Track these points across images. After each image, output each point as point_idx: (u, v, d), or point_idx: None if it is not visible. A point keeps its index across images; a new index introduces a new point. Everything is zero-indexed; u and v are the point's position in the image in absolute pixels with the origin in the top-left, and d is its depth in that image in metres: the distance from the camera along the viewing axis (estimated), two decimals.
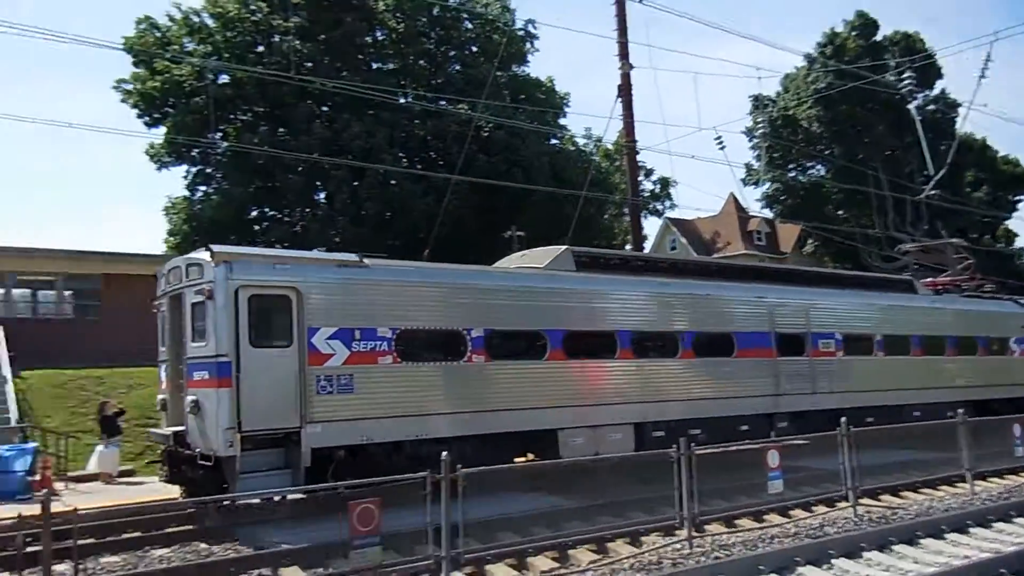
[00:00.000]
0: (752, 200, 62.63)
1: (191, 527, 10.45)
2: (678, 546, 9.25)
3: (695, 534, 9.51)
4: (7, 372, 19.02)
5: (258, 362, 11.24)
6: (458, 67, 35.66)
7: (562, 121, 38.53)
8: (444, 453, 8.67)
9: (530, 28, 37.20)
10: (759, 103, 48.30)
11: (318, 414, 11.48)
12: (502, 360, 13.47)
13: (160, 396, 13.24)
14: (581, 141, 38.98)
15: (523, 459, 13.73)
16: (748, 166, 48.70)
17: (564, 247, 15.79)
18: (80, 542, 7.69)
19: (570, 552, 9.50)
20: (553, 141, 37.14)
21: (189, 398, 11.49)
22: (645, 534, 10.05)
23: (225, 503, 11.01)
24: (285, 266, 12.02)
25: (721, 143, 27.72)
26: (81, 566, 7.94)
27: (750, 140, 49.35)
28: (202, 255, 11.70)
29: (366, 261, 12.86)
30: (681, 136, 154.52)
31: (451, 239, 25.96)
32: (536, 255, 15.82)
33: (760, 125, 47.02)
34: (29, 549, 6.74)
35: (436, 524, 8.36)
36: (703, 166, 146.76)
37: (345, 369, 11.91)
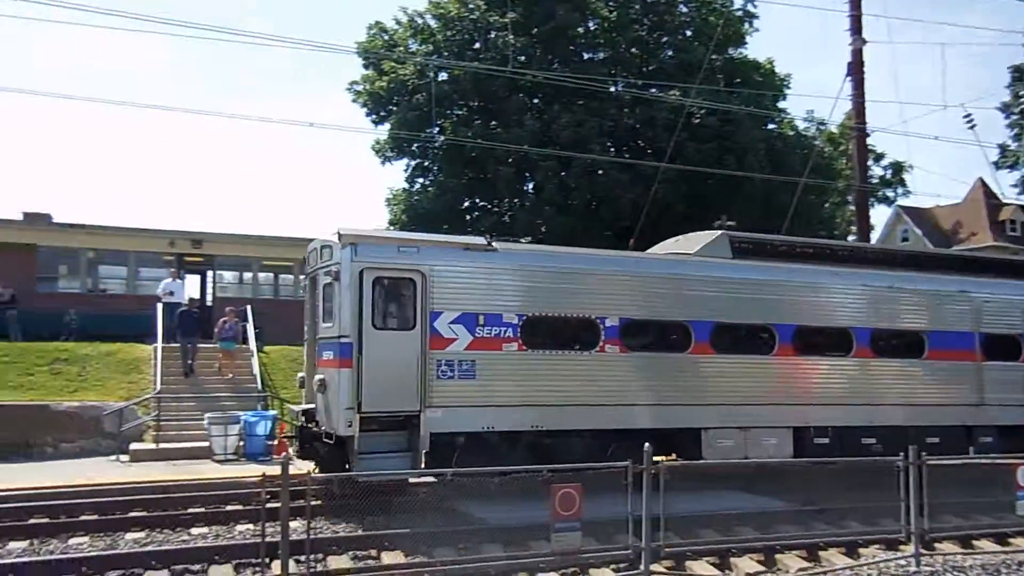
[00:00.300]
0: (1006, 186, 55.56)
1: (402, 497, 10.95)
2: (903, 562, 8.45)
3: (923, 551, 8.61)
4: (253, 347, 21.34)
5: (380, 344, 11.36)
6: (670, 53, 34.82)
7: (781, 104, 36.42)
8: (647, 445, 8.52)
9: (749, 7, 35.49)
10: (1021, 74, 42.69)
11: (438, 399, 11.47)
12: (638, 351, 12.91)
13: (300, 374, 13.97)
14: (802, 125, 36.63)
15: (665, 458, 12.86)
16: (1003, 147, 43.24)
17: (720, 231, 14.92)
18: (312, 503, 8.41)
19: (777, 556, 8.98)
20: (771, 126, 35.20)
21: (317, 377, 11.97)
22: (863, 545, 9.27)
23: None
24: (410, 249, 11.95)
25: (971, 121, 24.68)
26: (313, 525, 8.72)
27: (1006, 117, 43.81)
28: (332, 237, 11.91)
29: (495, 245, 12.69)
30: (919, 116, 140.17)
31: (658, 228, 25.44)
32: (691, 240, 14.89)
33: (1022, 99, 41.55)
34: (269, 505, 7.48)
35: (636, 515, 8.24)
36: (943, 149, 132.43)
37: (467, 355, 11.79)
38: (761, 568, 8.72)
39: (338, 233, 11.63)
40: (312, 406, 12.42)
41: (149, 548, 8.97)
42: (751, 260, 14.07)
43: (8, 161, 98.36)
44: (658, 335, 13.38)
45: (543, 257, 13.14)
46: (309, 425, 12.31)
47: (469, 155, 31.78)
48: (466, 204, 35.09)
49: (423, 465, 11.27)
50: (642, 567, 8.02)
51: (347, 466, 11.16)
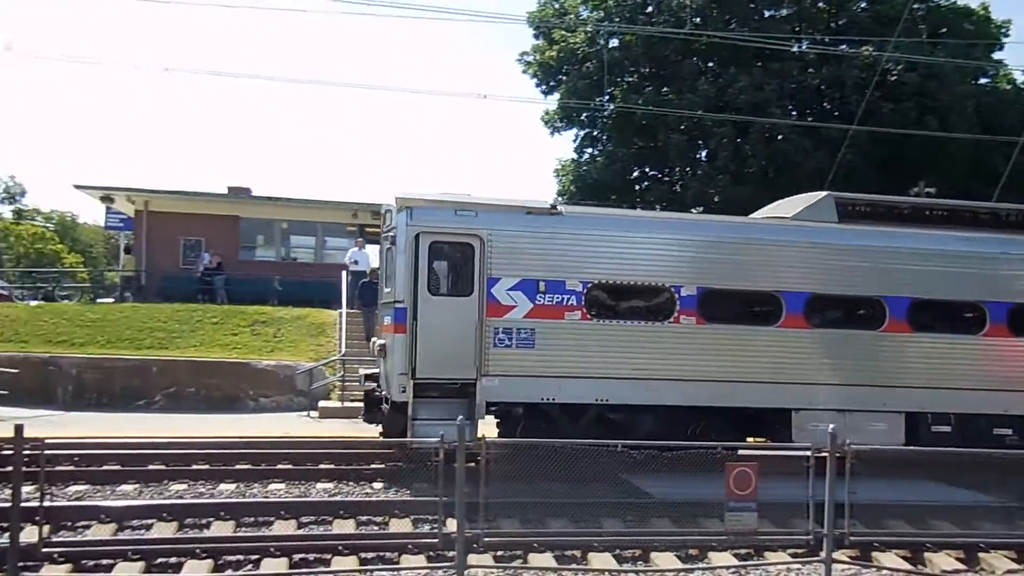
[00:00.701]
0: None
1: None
2: None
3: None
4: None
5: (435, 310, 11.19)
6: (864, 5, 32.11)
7: (997, 55, 32.65)
8: (831, 426, 8.03)
9: None
10: None
11: (495, 367, 11.17)
12: (718, 323, 11.86)
13: (374, 339, 13.67)
14: (1021, 78, 32.64)
15: (754, 439, 12.30)
16: None
17: (825, 193, 13.23)
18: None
19: (981, 555, 8.17)
20: (983, 80, 31.69)
21: (378, 342, 12.04)
22: None
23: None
24: (468, 213, 11.50)
25: None
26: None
27: None
28: (392, 202, 11.66)
29: (560, 208, 12.15)
30: None
31: None
32: (794, 203, 13.42)
33: None
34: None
35: (817, 499, 7.80)
36: None
37: (526, 323, 11.34)
38: (961, 567, 7.99)
39: (396, 197, 11.48)
40: (377, 370, 12.47)
41: (337, 499, 9.68)
42: (861, 224, 12.55)
43: (214, 139, 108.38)
44: (743, 306, 12.40)
45: (611, 222, 12.38)
46: (374, 389, 12.34)
47: (639, 124, 31.10)
48: (635, 174, 34.50)
49: (476, 434, 10.70)
50: (823, 553, 7.58)
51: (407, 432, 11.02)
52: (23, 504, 7.02)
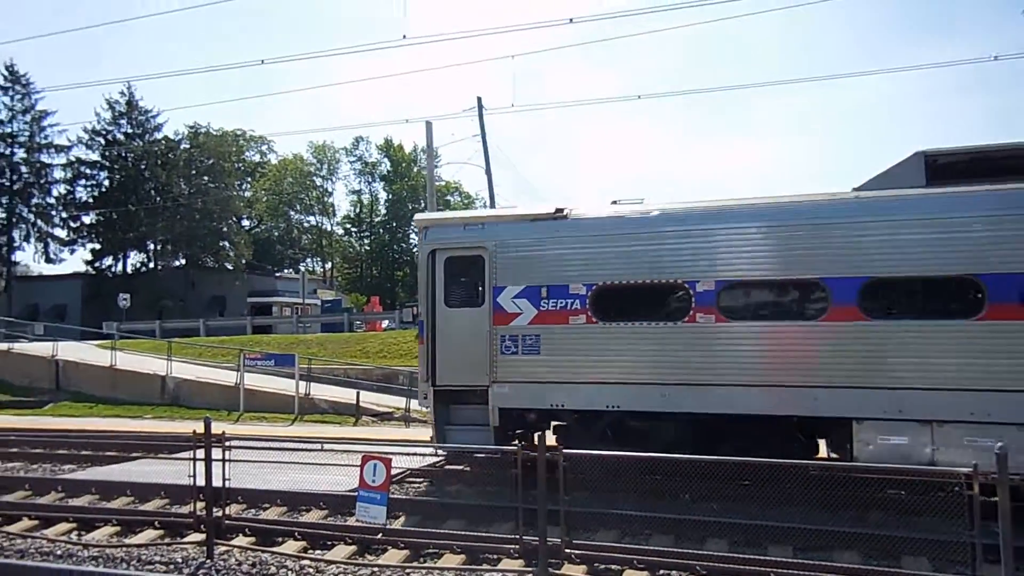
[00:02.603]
0: None
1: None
2: None
3: None
4: None
5: (452, 322, 11.88)
6: None
7: None
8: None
9: None
10: None
11: (503, 374, 11.42)
12: (745, 320, 10.62)
13: None
14: None
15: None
16: None
17: (917, 151, 10.65)
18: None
19: None
20: None
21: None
22: None
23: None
24: (476, 226, 12.01)
25: None
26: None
27: None
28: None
29: (566, 212, 11.63)
30: None
31: None
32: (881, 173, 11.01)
33: None
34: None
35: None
36: None
37: (531, 329, 11.40)
38: None
39: (415, 219, 12.27)
40: None
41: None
42: (953, 186, 10.11)
43: None
44: (778, 298, 10.77)
45: (618, 220, 11.44)
46: None
47: None
48: None
49: (493, 440, 11.36)
50: None
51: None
52: None
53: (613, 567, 7.73)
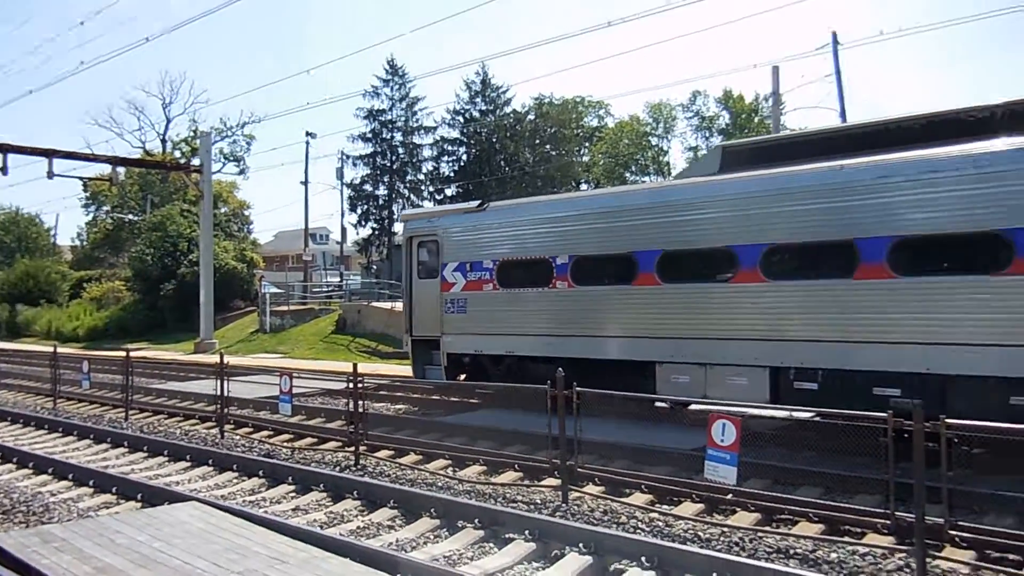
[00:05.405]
0: None
1: None
2: None
3: None
4: None
5: (421, 289, 16.30)
6: None
7: None
8: None
9: None
10: None
11: (447, 328, 15.55)
12: (588, 285, 13.50)
13: None
14: None
15: None
16: None
17: (718, 145, 14.26)
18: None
19: None
20: None
21: None
22: None
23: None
24: (434, 218, 16.71)
25: None
26: None
27: None
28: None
29: (487, 206, 15.69)
30: None
31: None
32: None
33: None
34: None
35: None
36: None
37: (462, 295, 15.28)
38: None
39: (400, 214, 15.38)
40: None
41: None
42: (738, 171, 12.10)
43: None
44: (607, 269, 13.41)
45: (514, 210, 15.45)
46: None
47: None
48: None
49: (445, 376, 15.61)
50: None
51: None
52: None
53: (1011, 556, 6.62)
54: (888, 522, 7.12)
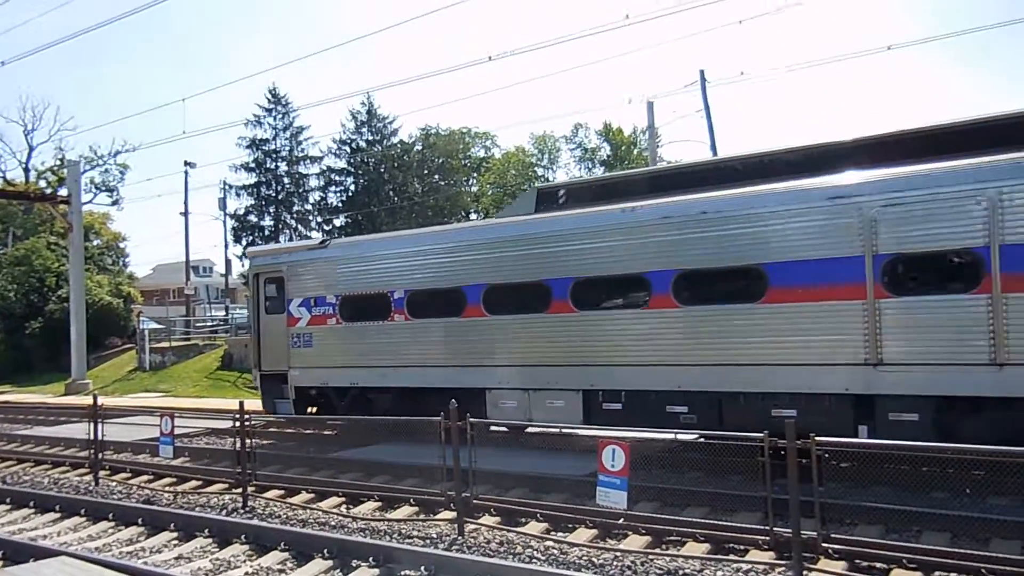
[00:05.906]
0: None
1: None
2: None
3: None
4: None
5: (268, 325, 16.53)
6: None
7: None
8: None
9: None
10: None
11: (294, 362, 15.90)
12: (423, 318, 14.12)
13: None
14: None
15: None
16: None
17: (536, 186, 15.88)
18: None
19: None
20: None
21: None
22: None
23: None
24: (279, 256, 16.88)
25: None
26: None
27: None
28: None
29: (328, 242, 16.76)
30: None
31: None
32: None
33: None
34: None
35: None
36: None
37: (307, 329, 15.71)
38: None
39: (246, 251, 16.17)
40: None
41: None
42: (551, 212, 13.41)
43: None
44: (439, 302, 13.99)
45: (355, 246, 16.14)
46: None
47: None
48: None
49: (294, 410, 15.95)
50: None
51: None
52: None
53: (877, 565, 7.09)
54: (768, 538, 7.50)
